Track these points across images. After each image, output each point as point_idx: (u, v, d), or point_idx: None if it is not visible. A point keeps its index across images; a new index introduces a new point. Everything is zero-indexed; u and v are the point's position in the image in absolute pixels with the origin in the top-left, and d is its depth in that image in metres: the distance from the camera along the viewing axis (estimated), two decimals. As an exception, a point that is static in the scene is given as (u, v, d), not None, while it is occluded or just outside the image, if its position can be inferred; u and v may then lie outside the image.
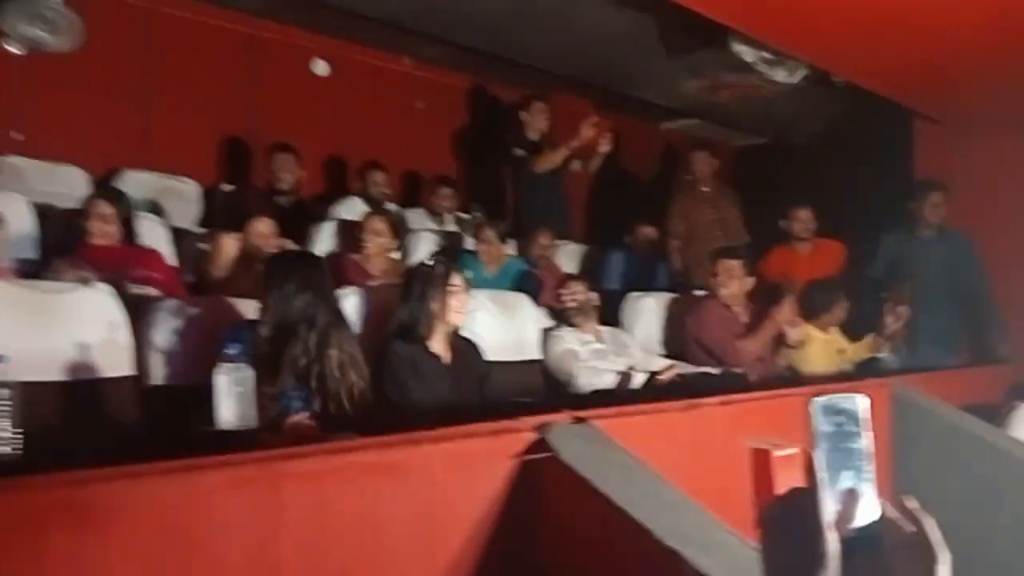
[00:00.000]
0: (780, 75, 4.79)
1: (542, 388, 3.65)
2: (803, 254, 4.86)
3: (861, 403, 0.70)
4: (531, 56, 5.33)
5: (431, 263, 3.12)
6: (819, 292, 4.34)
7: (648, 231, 5.45)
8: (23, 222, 3.43)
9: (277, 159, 4.69)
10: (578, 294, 3.85)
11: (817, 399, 0.70)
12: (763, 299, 4.13)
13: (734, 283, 4.05)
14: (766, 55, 4.72)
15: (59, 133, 4.59)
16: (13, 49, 4.53)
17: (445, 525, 1.52)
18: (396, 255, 4.22)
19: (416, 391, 2.83)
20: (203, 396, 2.36)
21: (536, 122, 5.39)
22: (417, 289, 2.95)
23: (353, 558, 1.38)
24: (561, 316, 3.89)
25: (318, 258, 3.01)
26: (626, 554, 1.52)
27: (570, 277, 4.12)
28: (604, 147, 5.33)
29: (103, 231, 3.39)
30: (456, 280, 3.00)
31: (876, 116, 5.60)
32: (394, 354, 2.87)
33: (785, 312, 3.98)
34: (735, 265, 4.08)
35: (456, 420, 1.64)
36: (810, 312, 4.24)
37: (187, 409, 2.46)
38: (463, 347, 3.09)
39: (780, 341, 4.06)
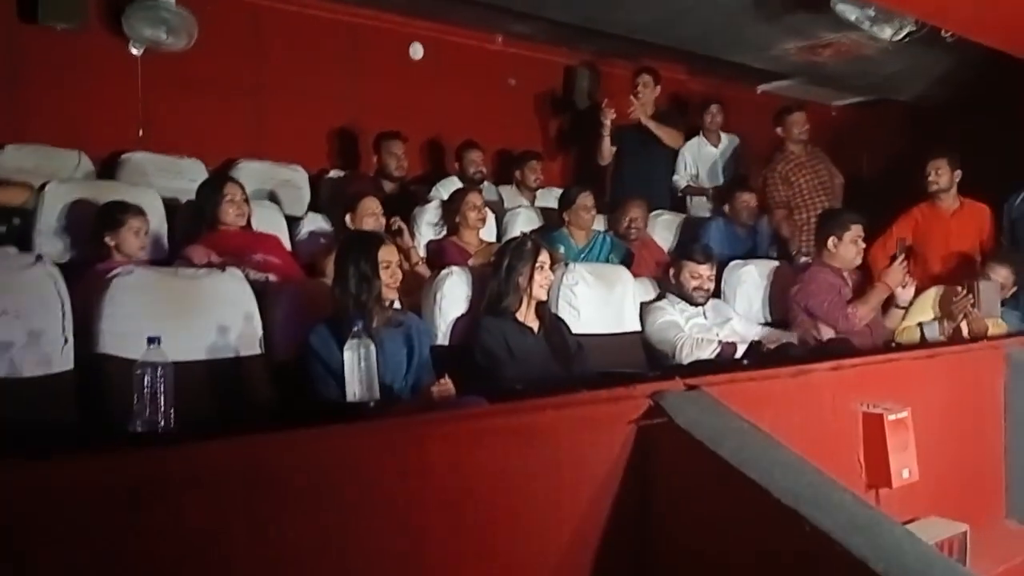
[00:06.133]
0: (886, 32, 4.62)
1: (643, 361, 3.65)
2: (946, 212, 4.69)
3: None
4: (624, 27, 5.30)
5: (519, 239, 3.24)
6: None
7: (747, 198, 5.32)
8: (155, 215, 3.65)
9: (385, 145, 4.84)
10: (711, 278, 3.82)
11: None
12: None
13: (853, 248, 3.97)
14: (870, 12, 4.57)
15: (177, 128, 4.80)
16: (134, 51, 4.82)
17: (570, 484, 1.62)
18: (491, 238, 4.33)
19: (508, 364, 2.92)
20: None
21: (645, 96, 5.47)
22: (505, 264, 3.08)
23: (489, 514, 1.50)
24: (664, 288, 3.89)
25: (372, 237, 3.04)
26: (743, 514, 1.57)
27: (706, 258, 3.88)
28: (612, 116, 5.44)
29: (237, 213, 3.60)
30: (543, 256, 3.10)
31: (989, 70, 5.33)
32: (484, 329, 2.99)
33: (896, 274, 3.89)
34: (860, 230, 3.99)
35: (568, 390, 1.73)
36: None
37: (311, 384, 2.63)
38: (553, 321, 3.18)
39: (889, 302, 3.98)
